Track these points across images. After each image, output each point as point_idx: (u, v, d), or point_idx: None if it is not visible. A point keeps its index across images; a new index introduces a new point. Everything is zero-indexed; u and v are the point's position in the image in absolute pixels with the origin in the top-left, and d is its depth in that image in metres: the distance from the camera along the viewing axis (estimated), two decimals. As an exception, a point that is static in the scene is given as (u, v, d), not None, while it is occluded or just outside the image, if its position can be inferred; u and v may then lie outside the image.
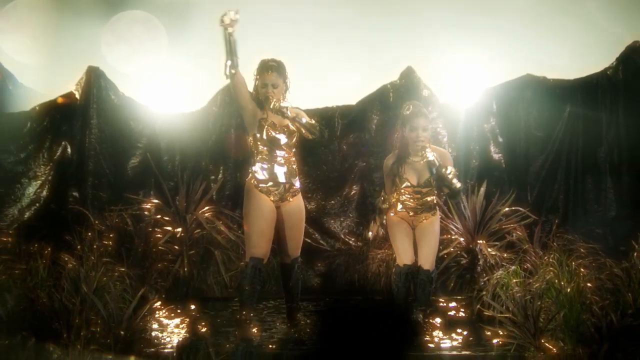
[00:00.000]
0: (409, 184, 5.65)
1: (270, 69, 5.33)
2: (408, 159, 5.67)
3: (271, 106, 5.25)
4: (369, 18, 8.82)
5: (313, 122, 5.36)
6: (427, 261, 5.65)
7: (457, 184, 5.49)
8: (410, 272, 5.66)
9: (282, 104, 5.23)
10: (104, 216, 6.78)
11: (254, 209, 5.37)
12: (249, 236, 5.41)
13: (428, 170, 5.58)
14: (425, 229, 5.71)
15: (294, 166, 5.49)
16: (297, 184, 5.53)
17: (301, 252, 5.70)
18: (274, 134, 5.34)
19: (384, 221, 5.83)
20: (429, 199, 5.70)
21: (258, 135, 5.36)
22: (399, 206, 5.73)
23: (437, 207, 5.80)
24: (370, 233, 6.00)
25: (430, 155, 5.51)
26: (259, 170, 5.38)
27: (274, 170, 5.36)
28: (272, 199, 5.39)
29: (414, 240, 5.74)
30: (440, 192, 5.73)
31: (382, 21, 8.79)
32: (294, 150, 5.48)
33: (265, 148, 5.35)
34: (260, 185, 5.36)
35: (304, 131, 5.34)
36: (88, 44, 8.23)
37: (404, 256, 5.67)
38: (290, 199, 5.46)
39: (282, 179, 5.38)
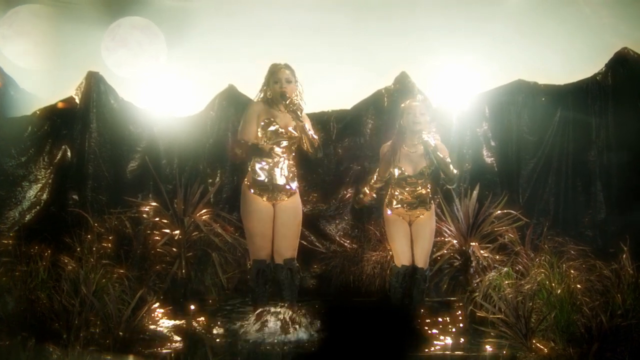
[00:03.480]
0: (404, 174, 5.68)
1: (284, 67, 5.40)
2: (404, 148, 5.71)
3: (287, 102, 5.26)
4: (364, 23, 8.82)
5: (316, 137, 5.38)
6: (422, 260, 5.70)
7: (454, 169, 5.63)
8: (407, 272, 5.68)
9: (301, 106, 5.27)
10: (103, 219, 6.76)
11: (252, 212, 5.43)
12: (250, 239, 5.51)
13: (424, 152, 5.63)
14: (421, 226, 5.74)
15: (293, 169, 5.50)
16: (295, 186, 5.53)
17: (297, 254, 5.69)
18: (276, 135, 5.35)
19: (366, 195, 6.09)
20: (423, 192, 5.72)
21: (260, 135, 5.36)
22: (395, 203, 5.76)
23: (432, 202, 5.82)
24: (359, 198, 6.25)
25: (426, 136, 5.57)
26: (257, 171, 5.38)
27: (272, 172, 5.37)
28: (264, 199, 5.40)
29: (411, 237, 5.77)
30: (436, 180, 5.77)
31: (377, 27, 8.79)
32: (293, 154, 5.49)
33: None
34: (256, 185, 5.37)
35: (304, 141, 5.35)
36: (88, 49, 8.21)
37: (402, 257, 5.70)
38: (286, 198, 5.47)
39: (280, 181, 5.39)
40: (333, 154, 7.79)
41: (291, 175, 5.48)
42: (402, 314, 5.63)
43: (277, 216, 5.49)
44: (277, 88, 5.35)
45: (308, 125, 5.41)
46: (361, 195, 6.20)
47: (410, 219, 5.76)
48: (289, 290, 5.55)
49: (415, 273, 5.69)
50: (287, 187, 5.46)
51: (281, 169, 5.41)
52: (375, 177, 6.00)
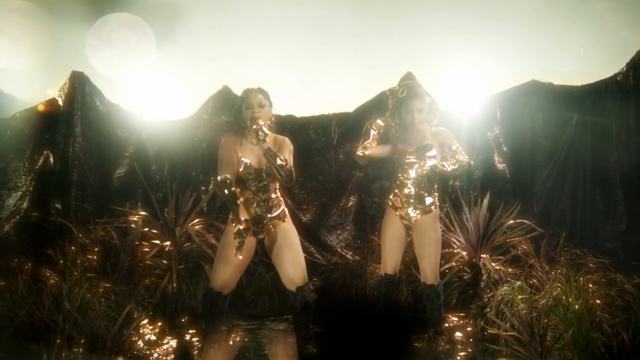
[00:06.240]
0: (403, 149, 5.73)
1: (255, 91, 5.20)
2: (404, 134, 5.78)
3: (254, 127, 5.03)
4: (368, 21, 8.84)
5: (284, 164, 5.02)
6: (430, 275, 5.68)
7: (464, 159, 5.74)
8: (390, 282, 5.77)
9: (264, 129, 4.99)
10: (89, 229, 6.75)
11: (227, 248, 5.09)
12: (215, 264, 5.20)
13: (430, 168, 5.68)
14: (426, 236, 5.70)
15: (280, 201, 5.27)
16: (280, 210, 5.26)
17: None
18: (247, 172, 5.14)
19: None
20: (426, 199, 5.70)
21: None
22: (395, 192, 5.82)
23: (434, 205, 5.77)
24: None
25: (430, 162, 5.58)
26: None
27: (250, 210, 5.15)
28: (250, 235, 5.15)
29: (411, 243, 5.85)
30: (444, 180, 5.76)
31: (380, 24, 8.81)
32: (276, 184, 5.24)
33: (238, 189, 5.06)
34: (239, 230, 5.11)
35: (273, 170, 5.14)
36: (72, 48, 8.22)
37: (387, 265, 5.80)
38: (272, 229, 5.21)
39: (267, 215, 5.17)
40: (334, 160, 7.78)
41: (279, 207, 5.26)
42: (387, 325, 5.61)
43: (275, 243, 5.17)
44: (249, 114, 5.12)
45: (286, 154, 5.15)
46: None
47: (410, 220, 5.72)
48: (304, 315, 5.38)
49: (423, 289, 5.70)
50: (277, 218, 5.23)
51: (266, 204, 5.20)
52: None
